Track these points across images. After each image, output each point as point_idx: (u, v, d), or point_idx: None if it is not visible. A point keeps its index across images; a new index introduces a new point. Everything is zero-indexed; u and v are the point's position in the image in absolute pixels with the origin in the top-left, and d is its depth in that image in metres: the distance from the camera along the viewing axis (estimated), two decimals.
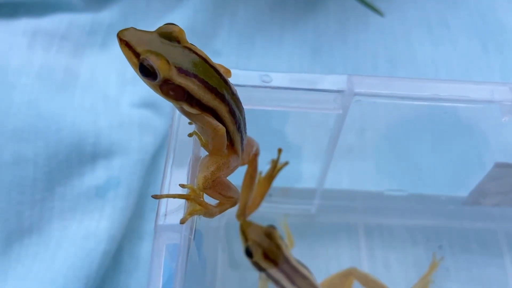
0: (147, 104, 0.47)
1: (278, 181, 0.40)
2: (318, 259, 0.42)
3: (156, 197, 0.25)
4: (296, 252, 0.40)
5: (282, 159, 0.38)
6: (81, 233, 0.41)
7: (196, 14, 0.53)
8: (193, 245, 0.28)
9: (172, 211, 0.26)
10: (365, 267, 0.41)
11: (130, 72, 0.50)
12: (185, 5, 0.53)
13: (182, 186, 0.26)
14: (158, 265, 0.25)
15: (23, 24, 0.47)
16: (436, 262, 0.39)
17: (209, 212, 0.27)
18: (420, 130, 0.42)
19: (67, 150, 0.42)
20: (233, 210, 0.37)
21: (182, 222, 0.25)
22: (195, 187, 0.26)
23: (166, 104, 0.48)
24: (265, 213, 0.44)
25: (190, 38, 0.26)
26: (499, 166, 0.35)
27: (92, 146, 0.43)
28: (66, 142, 0.42)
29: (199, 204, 0.26)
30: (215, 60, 0.26)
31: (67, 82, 0.46)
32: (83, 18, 0.51)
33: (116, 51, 0.51)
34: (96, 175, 0.43)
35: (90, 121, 0.44)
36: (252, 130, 0.33)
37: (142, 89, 0.48)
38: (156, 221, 0.25)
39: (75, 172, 0.42)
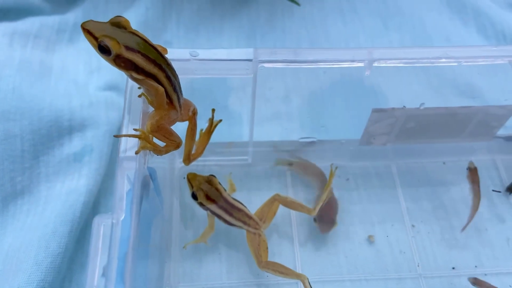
0: (110, 87, 0.58)
1: (223, 138, 0.51)
2: (255, 200, 0.52)
3: (116, 136, 0.36)
4: (237, 197, 0.51)
5: (225, 120, 0.48)
6: (64, 190, 0.50)
7: (148, 12, 0.64)
8: (147, 175, 0.39)
9: (129, 148, 0.37)
10: None
11: (95, 62, 0.60)
12: (137, 4, 0.64)
13: (135, 130, 0.37)
14: (121, 187, 0.35)
15: (3, 27, 0.57)
16: (333, 172, 0.50)
17: (157, 149, 0.38)
18: (329, 92, 0.54)
19: (47, 126, 0.52)
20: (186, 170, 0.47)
21: (136, 152, 0.36)
22: (144, 130, 0.37)
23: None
24: (212, 165, 0.55)
25: (144, 32, 0.36)
26: (375, 111, 0.48)
27: (68, 122, 0.53)
28: (46, 119, 0.52)
29: (148, 142, 0.37)
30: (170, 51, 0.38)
31: (43, 72, 0.56)
32: (51, 20, 0.61)
33: (81, 45, 0.62)
34: (73, 145, 0.53)
35: (64, 102, 0.54)
36: (196, 99, 0.44)
37: (106, 75, 0.59)
38: (118, 155, 0.36)
39: (55, 143, 0.52)
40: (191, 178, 0.47)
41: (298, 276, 0.45)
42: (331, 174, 0.50)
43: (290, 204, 0.48)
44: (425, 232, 0.51)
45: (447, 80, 0.58)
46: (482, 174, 0.55)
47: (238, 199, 0.48)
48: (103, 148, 0.53)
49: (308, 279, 0.44)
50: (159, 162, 0.48)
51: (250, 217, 0.47)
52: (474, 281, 0.47)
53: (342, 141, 0.54)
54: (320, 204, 0.48)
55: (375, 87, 0.48)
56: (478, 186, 0.52)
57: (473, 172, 0.53)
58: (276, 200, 0.48)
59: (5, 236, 0.49)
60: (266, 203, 0.49)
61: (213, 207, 0.46)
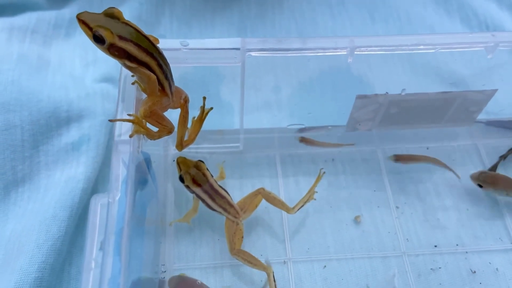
0: (106, 79, 0.60)
1: (215, 125, 0.53)
2: (246, 187, 0.55)
3: (111, 120, 0.38)
4: (229, 183, 0.53)
5: (217, 108, 0.50)
6: (63, 178, 0.52)
7: (141, 6, 0.66)
8: (142, 159, 0.41)
9: (124, 132, 0.39)
10: (281, 187, 0.55)
11: (91, 56, 0.63)
12: None
13: (129, 115, 0.39)
14: (116, 168, 0.38)
15: (1, 22, 0.59)
16: (320, 176, 0.52)
17: (150, 134, 0.41)
18: (318, 81, 0.56)
19: (46, 116, 0.54)
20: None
21: (130, 136, 0.38)
22: (138, 115, 0.39)
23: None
24: (204, 152, 0.58)
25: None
26: (359, 97, 0.50)
27: (66, 113, 0.55)
28: (45, 110, 0.54)
29: (141, 127, 0.39)
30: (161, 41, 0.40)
31: (40, 65, 0.58)
32: (48, 15, 0.63)
33: (77, 39, 0.64)
34: (71, 134, 0.55)
35: (62, 94, 0.56)
36: (188, 88, 0.46)
37: (101, 68, 0.61)
38: (114, 139, 0.38)
39: (54, 133, 0.54)
40: (181, 162, 0.49)
41: (264, 268, 0.46)
42: (318, 178, 0.52)
43: (272, 200, 0.50)
44: (409, 213, 0.54)
45: (431, 68, 0.60)
46: (464, 159, 0.58)
47: (230, 185, 0.50)
48: (100, 137, 0.55)
49: (273, 272, 0.46)
50: (154, 149, 0.50)
51: (231, 206, 0.49)
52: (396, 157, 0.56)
53: (329, 127, 0.56)
54: (301, 204, 0.50)
55: (362, 75, 0.51)
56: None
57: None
58: (260, 193, 0.50)
59: (7, 222, 0.51)
60: (250, 195, 0.50)
61: (198, 190, 0.48)
